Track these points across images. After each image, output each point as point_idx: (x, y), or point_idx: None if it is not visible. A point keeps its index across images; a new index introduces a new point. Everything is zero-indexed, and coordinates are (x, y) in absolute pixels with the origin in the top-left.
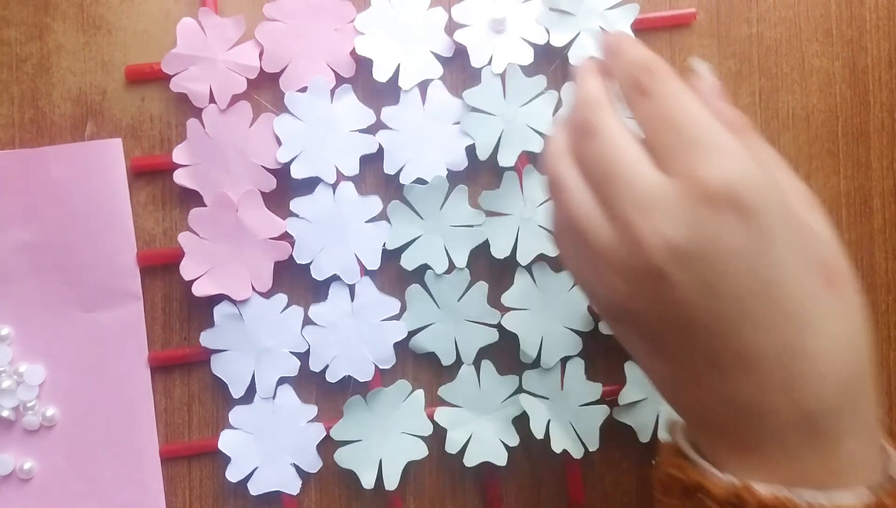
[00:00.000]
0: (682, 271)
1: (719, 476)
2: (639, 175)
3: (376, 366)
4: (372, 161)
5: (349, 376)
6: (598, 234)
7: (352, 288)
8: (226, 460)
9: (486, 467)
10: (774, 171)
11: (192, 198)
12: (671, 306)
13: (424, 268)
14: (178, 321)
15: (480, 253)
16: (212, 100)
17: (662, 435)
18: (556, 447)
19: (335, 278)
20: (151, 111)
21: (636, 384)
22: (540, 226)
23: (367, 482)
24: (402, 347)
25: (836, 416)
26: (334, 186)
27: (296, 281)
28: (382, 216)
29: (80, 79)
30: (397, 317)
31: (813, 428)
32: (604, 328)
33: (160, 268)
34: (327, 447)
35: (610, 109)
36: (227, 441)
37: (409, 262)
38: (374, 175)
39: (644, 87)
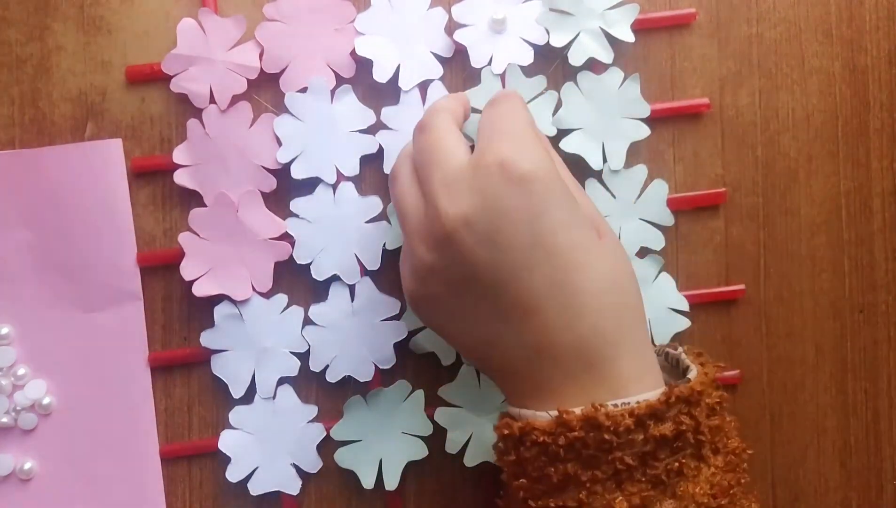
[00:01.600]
0: (470, 231)
1: (540, 413)
2: (450, 159)
3: (376, 366)
4: (372, 161)
5: (349, 376)
6: (411, 211)
7: (352, 288)
8: (226, 460)
9: (487, 467)
10: (552, 156)
11: (192, 198)
12: (463, 264)
13: None
14: (178, 321)
15: None
16: (212, 100)
17: None
18: None
19: (335, 278)
20: (151, 112)
21: None
22: None
23: (368, 482)
24: (402, 347)
25: (610, 338)
26: (334, 187)
27: (296, 281)
28: (382, 216)
29: (80, 79)
30: (397, 317)
31: (593, 356)
32: None
33: (160, 268)
34: (327, 447)
35: (445, 113)
36: (227, 441)
37: None
38: (375, 175)
39: (495, 99)
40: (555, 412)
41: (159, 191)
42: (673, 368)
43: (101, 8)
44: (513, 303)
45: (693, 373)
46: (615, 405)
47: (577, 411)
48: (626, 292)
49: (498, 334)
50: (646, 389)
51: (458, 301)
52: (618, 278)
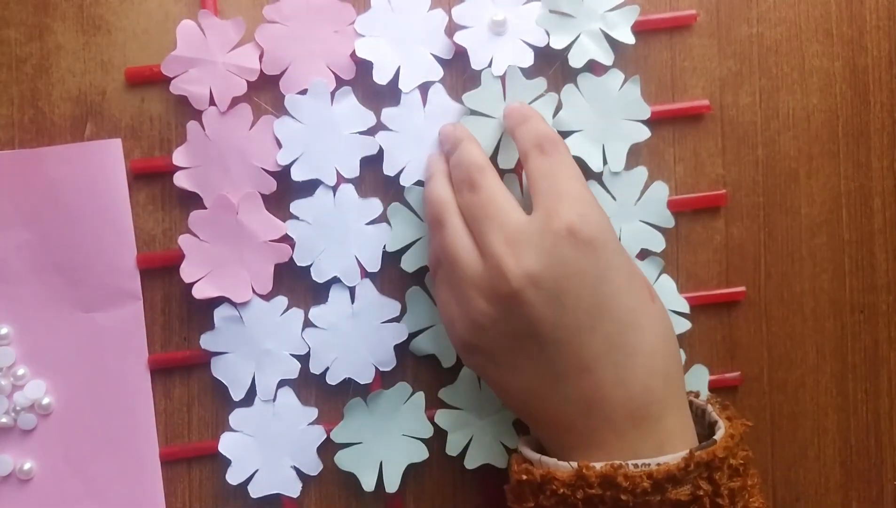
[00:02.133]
0: (537, 291)
1: (562, 464)
2: (508, 216)
3: (377, 368)
4: (372, 163)
5: (349, 378)
6: (469, 264)
7: (352, 290)
8: (226, 462)
9: (487, 469)
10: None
11: (192, 199)
12: (525, 321)
13: (425, 270)
14: (178, 322)
15: None
16: (212, 102)
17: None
18: None
19: (335, 280)
20: (151, 112)
21: None
22: None
23: (368, 484)
24: (402, 349)
25: (659, 397)
26: (334, 189)
27: (296, 283)
28: (383, 218)
29: (79, 79)
30: (398, 319)
31: (642, 413)
32: None
33: (160, 269)
34: (328, 449)
35: (491, 170)
36: (227, 444)
37: (409, 264)
38: (375, 177)
39: (543, 148)
40: (575, 464)
41: (159, 191)
42: (698, 417)
43: (100, 8)
44: (570, 360)
45: (720, 432)
46: (635, 466)
47: (598, 466)
48: (673, 354)
49: (549, 387)
50: (686, 445)
51: (512, 354)
52: (667, 339)
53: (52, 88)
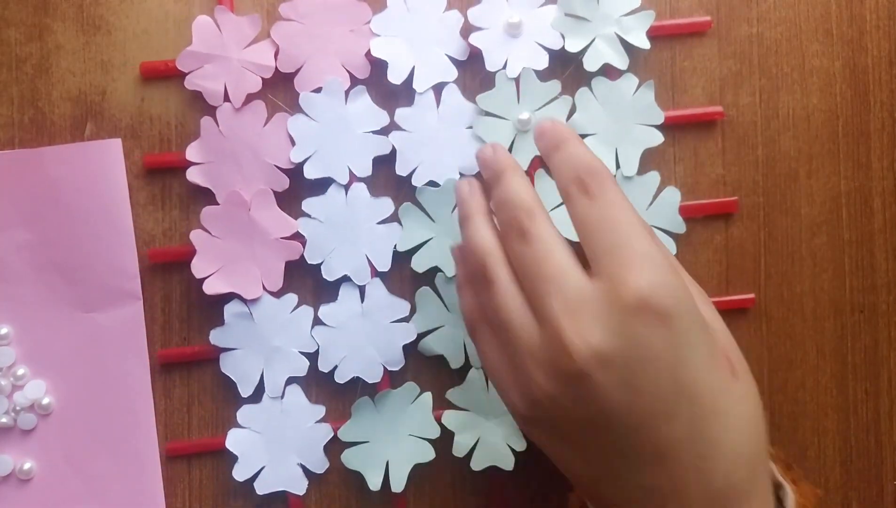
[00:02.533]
0: (606, 372)
1: None
2: (568, 279)
3: (385, 368)
4: (385, 163)
5: (358, 377)
6: (524, 331)
7: (362, 289)
8: (230, 459)
9: (493, 471)
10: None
11: (192, 198)
12: (593, 405)
13: (435, 271)
14: (178, 321)
15: None
16: (226, 98)
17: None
18: None
19: (346, 278)
20: (151, 111)
21: None
22: None
23: (374, 483)
24: (411, 349)
25: (742, 489)
26: (347, 187)
27: (306, 281)
28: (394, 218)
29: (79, 79)
30: (407, 319)
31: (721, 503)
32: None
33: (160, 268)
34: (334, 447)
35: (542, 214)
36: (234, 440)
37: (419, 264)
38: (387, 177)
39: (588, 188)
40: None
41: (159, 191)
42: None
43: (100, 7)
44: (644, 448)
45: (789, 501)
46: None
47: None
48: (759, 437)
49: (619, 472)
50: None
51: (578, 434)
52: (753, 423)
53: (51, 88)
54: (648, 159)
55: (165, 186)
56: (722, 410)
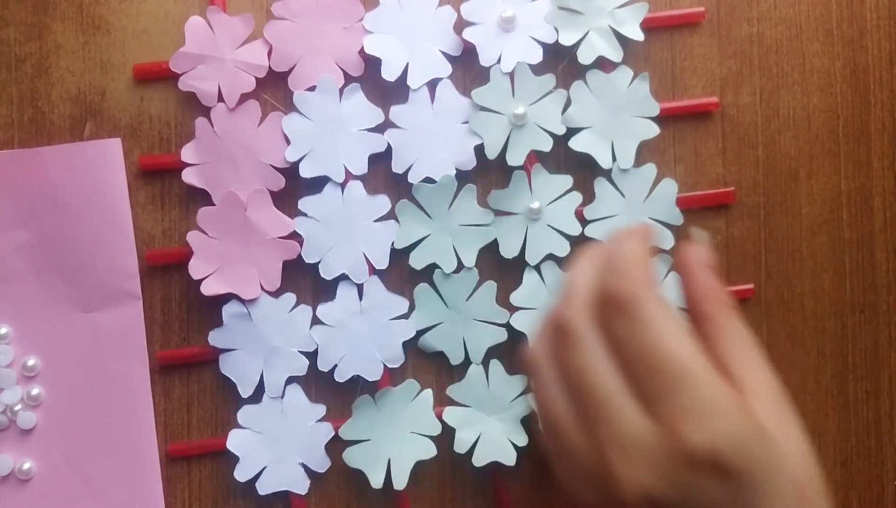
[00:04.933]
0: None
1: None
2: (624, 413)
3: (385, 365)
4: (380, 160)
5: (358, 375)
6: (573, 450)
7: (360, 287)
8: (230, 460)
9: (495, 467)
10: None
11: (191, 198)
12: None
13: (433, 267)
14: (177, 321)
15: (489, 252)
16: (220, 99)
17: None
18: None
19: (343, 277)
20: (151, 111)
21: None
22: (549, 226)
23: (376, 481)
24: (410, 346)
25: None
26: (343, 186)
27: (304, 280)
28: (391, 215)
29: (79, 79)
30: (406, 316)
31: None
32: None
33: (159, 268)
34: (336, 446)
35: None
36: (235, 441)
37: (417, 261)
38: (383, 174)
39: (618, 312)
40: None
41: (158, 191)
42: None
43: (100, 7)
44: None
45: None
46: None
47: None
48: None
49: None
50: None
51: None
52: None
53: (51, 88)
54: (649, 159)
55: (165, 186)
56: None
